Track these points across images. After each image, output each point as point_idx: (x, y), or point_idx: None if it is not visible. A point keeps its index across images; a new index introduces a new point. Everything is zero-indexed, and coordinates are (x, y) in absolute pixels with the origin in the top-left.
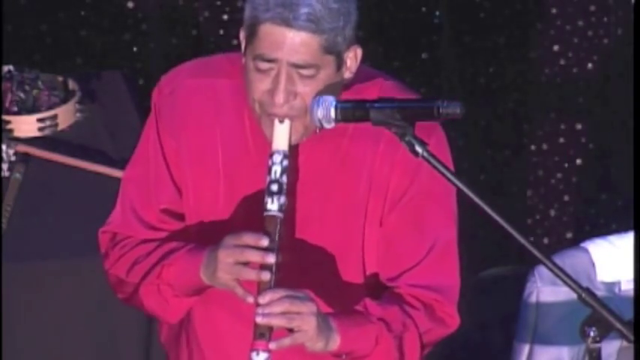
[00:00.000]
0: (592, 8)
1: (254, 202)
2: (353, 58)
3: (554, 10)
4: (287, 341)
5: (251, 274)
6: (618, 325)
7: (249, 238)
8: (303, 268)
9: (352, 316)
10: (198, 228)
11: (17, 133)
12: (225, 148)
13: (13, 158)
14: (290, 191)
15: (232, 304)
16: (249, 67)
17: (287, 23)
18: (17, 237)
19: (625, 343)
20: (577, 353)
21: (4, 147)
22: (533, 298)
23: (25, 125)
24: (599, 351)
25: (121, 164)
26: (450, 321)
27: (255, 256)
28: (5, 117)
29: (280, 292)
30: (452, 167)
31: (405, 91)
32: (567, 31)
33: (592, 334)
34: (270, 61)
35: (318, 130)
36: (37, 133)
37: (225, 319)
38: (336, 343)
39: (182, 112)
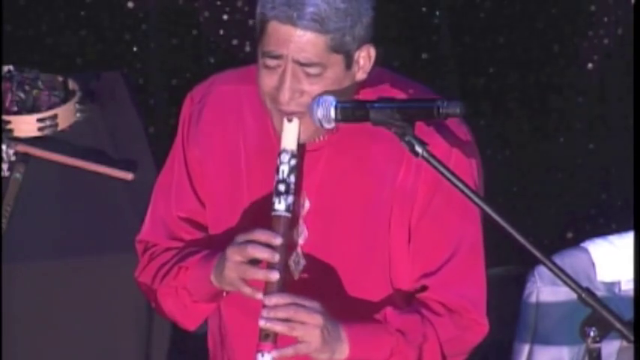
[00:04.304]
0: (592, 8)
1: None
2: (366, 57)
3: (553, 10)
4: (289, 351)
5: (257, 274)
6: (618, 325)
7: (259, 234)
8: (328, 276)
9: (367, 325)
10: (222, 236)
11: (17, 133)
12: (247, 154)
13: (13, 158)
14: (310, 193)
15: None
16: (260, 63)
17: (292, 22)
18: (17, 237)
19: (625, 343)
20: (577, 353)
21: (4, 147)
22: (533, 298)
23: (25, 125)
24: (599, 351)
25: (121, 164)
26: (478, 328)
27: (261, 253)
28: (5, 117)
29: (287, 299)
30: (475, 180)
31: (422, 90)
32: (567, 31)
33: (592, 334)
34: (276, 57)
35: (335, 131)
36: (37, 133)
37: (249, 326)
38: (344, 353)
39: (207, 120)
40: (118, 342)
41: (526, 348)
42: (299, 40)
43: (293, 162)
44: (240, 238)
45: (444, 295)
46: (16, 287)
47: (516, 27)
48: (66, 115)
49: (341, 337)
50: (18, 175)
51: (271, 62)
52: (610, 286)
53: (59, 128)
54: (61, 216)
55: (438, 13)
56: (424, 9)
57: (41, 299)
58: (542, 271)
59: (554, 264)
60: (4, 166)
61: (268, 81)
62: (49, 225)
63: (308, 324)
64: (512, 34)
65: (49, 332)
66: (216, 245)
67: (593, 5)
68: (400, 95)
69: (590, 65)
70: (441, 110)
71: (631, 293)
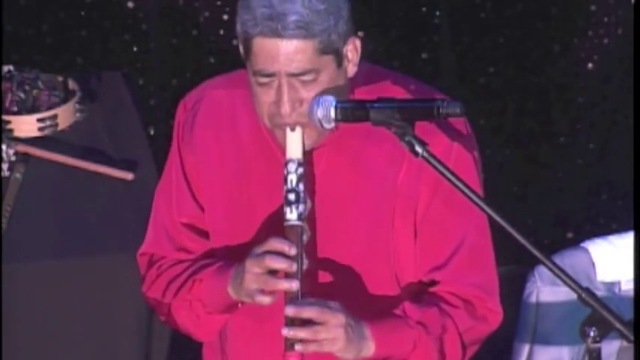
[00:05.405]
0: (592, 8)
1: (278, 214)
2: (353, 50)
3: (553, 10)
4: (312, 347)
5: (278, 284)
6: (618, 325)
7: (274, 243)
8: (333, 276)
9: (389, 321)
10: (223, 244)
11: (17, 133)
12: (243, 158)
13: (13, 158)
14: (311, 199)
15: (265, 320)
16: (252, 82)
17: (277, 34)
18: (17, 237)
19: (625, 343)
20: (577, 353)
21: (4, 147)
22: (533, 298)
23: (25, 125)
24: (599, 351)
25: (121, 164)
26: (492, 317)
27: (280, 263)
28: (5, 117)
29: (308, 302)
30: (475, 179)
31: (423, 88)
32: (567, 31)
33: (592, 334)
34: (268, 75)
35: (334, 130)
36: (37, 133)
37: (254, 332)
38: (370, 350)
39: (201, 126)
40: (118, 342)
41: (526, 348)
42: (287, 51)
43: (300, 170)
44: (257, 250)
45: (456, 286)
46: (16, 287)
47: (516, 27)
48: (66, 115)
49: (365, 334)
50: (18, 175)
51: (264, 80)
52: (610, 286)
53: (59, 128)
54: (61, 216)
55: (438, 13)
56: (424, 9)
57: (41, 299)
58: (542, 271)
59: (554, 264)
60: (4, 166)
61: (266, 97)
62: (49, 225)
63: (331, 324)
64: (512, 34)
65: (49, 332)
66: (219, 252)
67: (593, 5)
68: (399, 94)
69: (590, 65)
70: (440, 110)
71: (631, 293)
